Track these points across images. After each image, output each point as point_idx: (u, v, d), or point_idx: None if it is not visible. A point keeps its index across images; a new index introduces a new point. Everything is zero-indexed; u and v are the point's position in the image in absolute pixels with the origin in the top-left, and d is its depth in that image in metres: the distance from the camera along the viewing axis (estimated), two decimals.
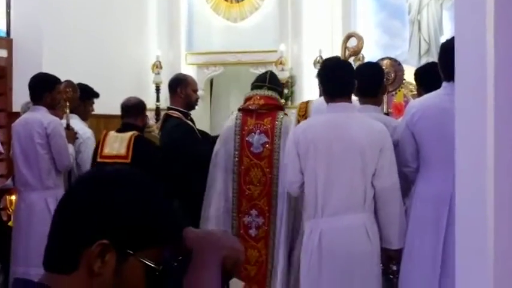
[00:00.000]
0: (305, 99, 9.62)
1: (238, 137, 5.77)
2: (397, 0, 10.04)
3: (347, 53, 5.97)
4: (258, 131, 5.73)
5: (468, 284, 3.56)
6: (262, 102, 5.81)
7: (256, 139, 5.72)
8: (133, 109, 6.37)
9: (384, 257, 4.92)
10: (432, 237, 4.68)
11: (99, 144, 6.30)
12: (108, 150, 6.15)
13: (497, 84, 3.43)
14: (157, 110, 9.86)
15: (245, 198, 5.72)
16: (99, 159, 6.21)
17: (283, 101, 6.76)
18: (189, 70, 10.24)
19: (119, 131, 6.27)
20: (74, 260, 1.69)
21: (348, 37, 6.17)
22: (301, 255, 5.05)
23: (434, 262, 4.65)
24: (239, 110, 5.94)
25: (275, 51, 9.67)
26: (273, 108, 5.84)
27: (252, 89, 5.97)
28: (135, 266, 1.71)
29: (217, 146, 5.88)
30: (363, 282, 4.82)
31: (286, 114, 6.03)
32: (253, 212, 5.71)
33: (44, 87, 6.40)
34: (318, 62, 8.79)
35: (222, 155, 5.83)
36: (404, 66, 7.94)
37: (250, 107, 5.82)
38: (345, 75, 4.97)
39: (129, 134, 6.15)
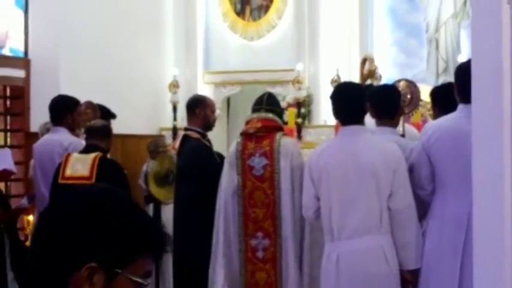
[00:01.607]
0: (322, 118, 9.67)
1: (240, 161, 5.80)
2: (414, 19, 10.02)
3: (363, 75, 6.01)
4: (258, 154, 5.75)
5: None
6: (259, 125, 5.84)
7: (257, 162, 5.74)
8: (99, 131, 6.25)
9: (400, 279, 4.92)
10: (450, 259, 4.68)
11: (60, 166, 6.13)
12: (70, 171, 6.01)
13: None
14: (174, 129, 9.84)
15: (251, 221, 5.75)
16: (60, 181, 6.05)
17: (283, 120, 6.73)
18: (206, 89, 10.28)
19: (82, 152, 6.15)
20: (62, 285, 1.67)
21: (364, 60, 6.21)
22: (320, 278, 5.07)
23: (452, 285, 4.63)
24: (240, 134, 5.98)
25: (292, 70, 9.65)
26: (271, 130, 5.85)
27: (252, 112, 6.00)
28: (124, 282, 1.71)
29: (223, 171, 5.92)
30: None
31: (285, 134, 6.04)
32: (259, 234, 5.71)
33: (65, 109, 6.45)
34: (335, 81, 8.75)
35: (228, 179, 5.86)
36: (422, 86, 7.95)
37: (249, 130, 5.86)
38: (355, 100, 5.02)
39: (93, 155, 6.03)
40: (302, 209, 5.26)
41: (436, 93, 5.77)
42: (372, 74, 5.95)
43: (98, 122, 6.40)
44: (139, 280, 1.73)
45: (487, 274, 3.56)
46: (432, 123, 5.06)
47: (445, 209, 4.76)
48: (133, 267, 1.73)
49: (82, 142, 6.47)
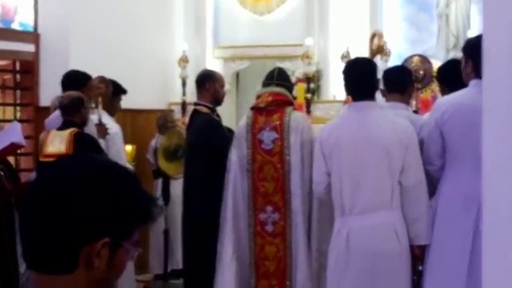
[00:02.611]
0: (331, 93, 9.65)
1: (250, 135, 5.82)
2: None
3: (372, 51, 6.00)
4: (268, 128, 5.76)
5: (495, 285, 3.53)
6: (270, 99, 5.85)
7: (267, 136, 5.76)
8: (68, 107, 6.21)
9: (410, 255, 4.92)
10: (461, 236, 4.66)
11: (43, 143, 6.16)
12: (50, 149, 6.03)
13: None
14: (183, 104, 9.83)
15: (260, 195, 5.77)
16: (41, 159, 6.08)
17: (294, 95, 6.76)
18: (215, 64, 10.25)
19: (59, 129, 6.15)
20: (75, 259, 1.70)
21: (373, 35, 6.19)
22: (328, 252, 5.08)
23: (462, 262, 4.62)
24: (251, 108, 5.99)
25: (301, 45, 9.59)
26: (282, 104, 5.86)
27: (262, 87, 6.02)
28: (123, 253, 1.75)
29: (233, 145, 5.95)
30: (391, 280, 4.83)
31: (295, 109, 6.04)
32: (269, 208, 5.73)
33: (76, 84, 6.44)
34: (345, 57, 8.72)
35: (237, 154, 5.88)
36: (432, 61, 7.89)
37: (259, 105, 5.87)
38: (368, 75, 5.02)
39: (68, 131, 6.04)
40: (312, 184, 5.25)
41: (442, 70, 5.75)
42: (381, 49, 5.93)
43: (68, 96, 6.30)
44: (134, 249, 1.78)
45: (496, 253, 3.56)
46: (445, 99, 4.99)
47: (457, 187, 4.74)
48: (131, 238, 1.77)
49: (93, 117, 6.49)
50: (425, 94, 7.88)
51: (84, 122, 6.21)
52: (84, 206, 1.69)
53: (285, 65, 9.83)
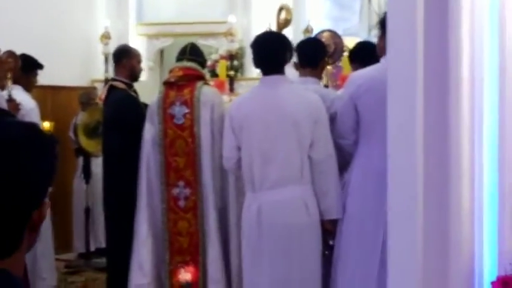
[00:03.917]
0: (255, 71, 9.61)
1: (161, 110, 5.81)
2: None
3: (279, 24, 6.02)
4: (179, 102, 5.76)
5: (399, 254, 3.59)
6: (181, 73, 5.87)
7: (178, 110, 5.76)
8: None
9: (321, 230, 4.93)
10: (374, 210, 4.69)
11: None
12: None
13: (426, 61, 3.45)
14: (106, 81, 9.69)
15: (172, 170, 5.76)
16: None
17: (205, 71, 6.74)
18: (138, 41, 10.15)
19: None
20: (22, 234, 1.62)
21: (280, 9, 6.21)
22: (241, 227, 5.08)
23: (375, 236, 4.65)
24: (163, 83, 6.00)
25: (225, 22, 9.56)
26: (193, 79, 5.85)
27: (175, 62, 6.03)
28: (46, 206, 1.67)
29: (146, 122, 5.92)
30: (302, 253, 4.85)
31: (206, 83, 6.02)
32: (181, 183, 5.73)
33: None
34: None
35: (149, 129, 5.87)
36: (355, 39, 7.93)
37: (170, 79, 5.87)
38: (277, 48, 4.99)
39: None
40: (223, 159, 5.23)
41: (358, 49, 5.80)
42: (288, 23, 5.95)
43: None
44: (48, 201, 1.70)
45: (400, 230, 3.61)
46: (360, 73, 4.97)
47: (370, 162, 4.75)
48: None
49: (2, 93, 6.34)
50: (346, 71, 7.92)
51: None
52: (26, 173, 1.59)
53: (209, 43, 9.83)
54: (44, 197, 1.64)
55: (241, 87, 9.31)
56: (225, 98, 7.50)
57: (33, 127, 1.67)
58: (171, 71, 5.97)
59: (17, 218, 1.59)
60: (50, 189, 1.70)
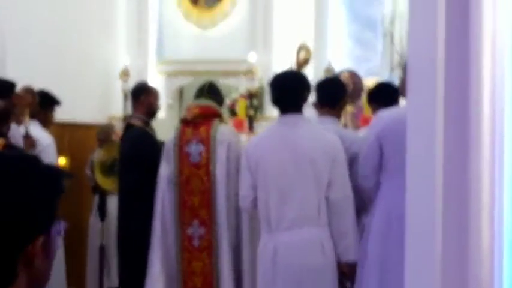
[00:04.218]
0: (275, 110, 9.55)
1: (177, 147, 5.79)
2: (370, 11, 9.91)
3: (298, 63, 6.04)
4: (195, 140, 5.75)
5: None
6: (197, 111, 5.87)
7: (194, 148, 5.75)
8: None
9: (337, 272, 4.87)
10: (398, 255, 4.55)
11: None
12: None
13: (447, 100, 3.37)
14: (125, 118, 9.67)
15: (187, 209, 5.75)
16: None
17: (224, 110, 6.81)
18: (158, 79, 10.13)
19: None
20: (14, 268, 1.57)
21: (300, 48, 6.21)
22: (257, 267, 5.02)
23: (399, 282, 4.52)
24: (180, 121, 5.99)
25: (245, 61, 9.52)
26: (209, 117, 5.83)
27: (193, 100, 6.03)
28: (53, 236, 1.66)
29: (162, 160, 5.90)
30: None
31: (223, 121, 6.02)
32: (195, 222, 5.71)
33: (1, 93, 6.23)
34: None
35: (165, 167, 5.84)
36: (377, 79, 7.88)
37: (187, 117, 5.85)
38: (295, 87, 4.99)
39: None
40: (239, 198, 5.19)
41: (377, 90, 5.77)
42: (307, 61, 5.95)
43: None
44: (59, 226, 1.68)
45: (418, 270, 3.53)
46: (386, 114, 4.95)
47: (393, 206, 4.66)
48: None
49: (19, 129, 6.31)
50: (367, 112, 7.84)
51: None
52: (18, 205, 1.56)
53: (229, 81, 9.80)
54: (40, 231, 1.59)
55: (261, 126, 9.21)
56: (244, 137, 7.47)
57: (31, 160, 1.66)
58: (188, 109, 5.99)
59: (6, 252, 1.55)
60: (64, 226, 1.69)
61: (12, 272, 1.56)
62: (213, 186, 5.63)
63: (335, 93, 5.39)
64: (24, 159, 1.65)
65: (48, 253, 1.63)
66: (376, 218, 4.82)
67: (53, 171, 1.68)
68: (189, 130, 5.78)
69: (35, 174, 1.61)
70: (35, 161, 1.66)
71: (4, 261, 1.55)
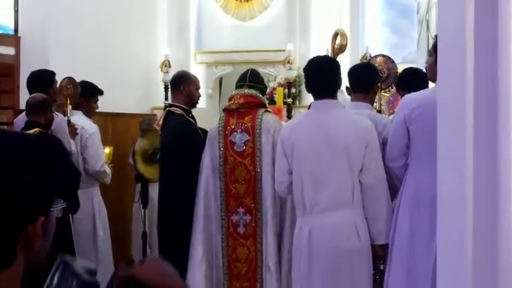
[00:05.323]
0: (312, 98, 9.64)
1: (222, 137, 5.84)
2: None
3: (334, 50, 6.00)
4: (240, 129, 5.79)
5: (450, 281, 3.56)
6: (242, 101, 5.88)
7: (239, 138, 5.78)
8: (35, 107, 6.16)
9: (372, 254, 4.92)
10: (423, 235, 4.65)
11: None
12: None
13: (476, 85, 3.44)
14: (166, 108, 9.82)
15: (232, 197, 5.78)
16: None
17: (265, 97, 6.79)
18: (198, 69, 10.27)
19: (23, 129, 6.05)
20: (14, 248, 1.54)
21: (336, 35, 6.19)
22: (292, 252, 5.08)
23: (426, 260, 4.62)
24: (223, 110, 6.01)
25: (283, 50, 9.63)
26: (254, 106, 5.87)
27: (235, 88, 6.03)
28: (52, 214, 1.64)
29: (205, 147, 5.95)
30: (352, 278, 4.83)
31: (268, 110, 6.03)
32: (241, 210, 5.76)
33: (43, 84, 6.44)
34: None
35: (209, 155, 5.90)
36: (413, 66, 7.90)
37: (231, 106, 5.88)
38: (329, 72, 4.99)
39: (31, 131, 5.89)
40: (275, 183, 5.25)
41: (404, 75, 5.79)
42: (343, 48, 5.94)
43: (36, 96, 6.25)
44: (56, 205, 1.66)
45: (449, 256, 3.58)
46: (414, 97, 4.93)
47: (420, 186, 4.73)
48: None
49: (64, 118, 6.50)
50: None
51: (49, 123, 6.17)
52: (22, 185, 1.52)
53: (268, 71, 9.91)
54: (42, 211, 1.57)
55: (299, 114, 9.32)
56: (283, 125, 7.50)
57: (30, 138, 1.64)
58: (231, 98, 5.98)
59: (6, 232, 1.51)
60: (62, 206, 1.68)
61: (12, 252, 1.53)
62: (259, 175, 5.67)
63: (368, 79, 5.42)
64: (24, 138, 1.62)
65: (46, 233, 1.60)
66: (403, 199, 4.85)
67: (52, 150, 1.64)
68: (233, 119, 5.83)
69: (34, 152, 1.58)
70: (34, 139, 1.63)
71: (5, 241, 1.51)
